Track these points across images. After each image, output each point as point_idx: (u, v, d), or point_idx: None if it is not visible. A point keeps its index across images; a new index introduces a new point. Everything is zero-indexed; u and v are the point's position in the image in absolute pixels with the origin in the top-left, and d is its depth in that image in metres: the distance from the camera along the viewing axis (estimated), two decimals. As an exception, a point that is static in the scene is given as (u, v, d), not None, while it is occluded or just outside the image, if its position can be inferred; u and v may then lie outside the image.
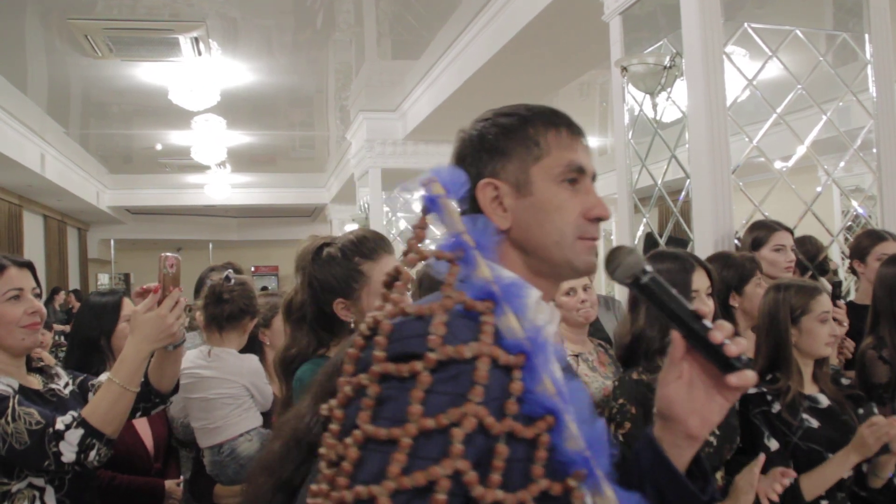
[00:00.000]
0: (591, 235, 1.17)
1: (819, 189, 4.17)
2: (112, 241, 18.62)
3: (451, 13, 6.19)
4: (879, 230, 3.55)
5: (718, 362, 1.07)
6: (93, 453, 2.04)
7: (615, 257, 1.14)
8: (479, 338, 1.00)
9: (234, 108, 8.83)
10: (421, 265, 1.10)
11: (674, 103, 3.83)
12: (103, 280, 18.47)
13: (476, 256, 1.06)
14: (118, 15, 5.92)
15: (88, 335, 2.98)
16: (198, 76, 7.45)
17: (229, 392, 2.83)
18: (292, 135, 11.01)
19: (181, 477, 3.11)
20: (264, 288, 17.49)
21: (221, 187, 14.01)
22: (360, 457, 0.96)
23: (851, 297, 4.01)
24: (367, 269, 2.09)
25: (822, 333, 2.61)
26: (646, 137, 4.00)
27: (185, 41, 6.45)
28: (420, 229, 1.09)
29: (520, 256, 1.17)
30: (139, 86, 7.91)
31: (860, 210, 4.03)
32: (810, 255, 3.75)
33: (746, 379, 1.06)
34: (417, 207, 1.13)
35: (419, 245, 1.09)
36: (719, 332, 1.06)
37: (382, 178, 8.54)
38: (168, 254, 2.18)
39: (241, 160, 12.27)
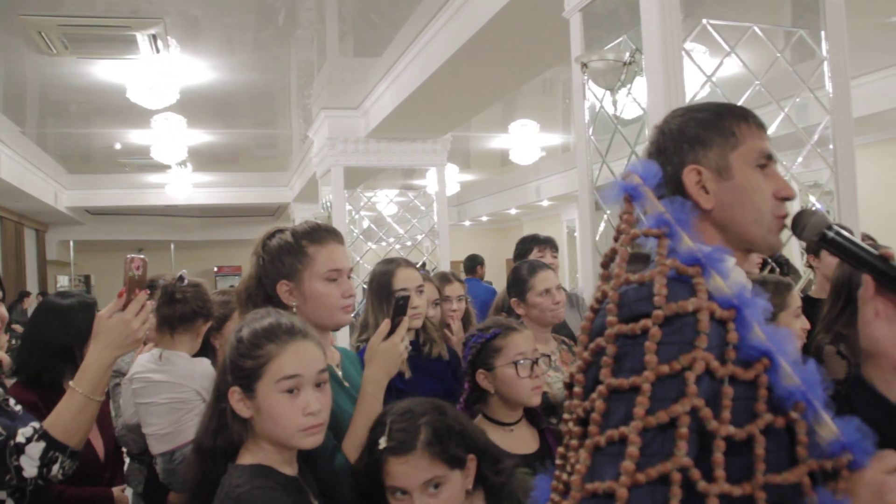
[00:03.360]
0: (783, 213, 1.35)
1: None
2: (71, 243, 18.36)
3: (413, 9, 6.16)
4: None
5: None
6: (56, 467, 1.96)
7: (801, 220, 1.32)
8: (697, 294, 1.15)
9: (195, 106, 8.72)
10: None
11: (634, 100, 3.84)
12: (63, 282, 18.20)
13: (679, 231, 1.22)
14: (75, 11, 5.81)
15: (57, 340, 2.78)
16: (156, 74, 7.34)
17: (180, 397, 2.78)
18: (254, 133, 10.90)
19: (124, 485, 3.05)
20: (232, 285, 17.32)
21: (183, 187, 13.86)
22: (607, 407, 1.12)
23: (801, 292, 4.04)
24: (312, 251, 2.08)
25: (797, 328, 2.66)
26: (606, 134, 4.00)
27: (142, 38, 6.34)
28: (628, 214, 1.25)
29: (718, 233, 1.33)
30: (97, 84, 7.78)
31: (818, 205, 4.06)
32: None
33: None
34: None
35: (630, 227, 1.25)
36: None
37: (345, 177, 8.48)
38: (134, 255, 2.09)
39: (202, 159, 12.13)
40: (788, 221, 1.38)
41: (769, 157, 1.36)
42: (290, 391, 1.68)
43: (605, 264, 1.28)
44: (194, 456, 1.76)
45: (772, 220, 1.33)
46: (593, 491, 1.07)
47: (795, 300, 2.69)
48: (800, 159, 4.06)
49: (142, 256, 2.09)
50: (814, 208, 1.33)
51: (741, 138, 1.34)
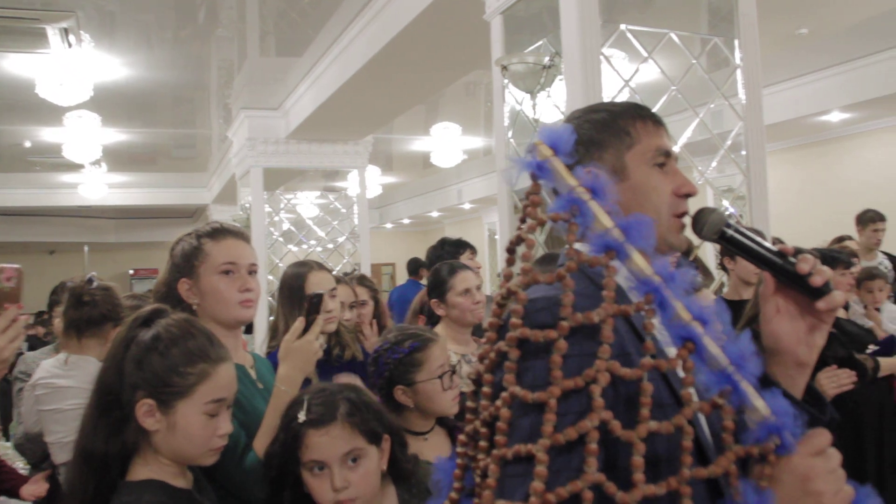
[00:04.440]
0: (683, 210, 1.33)
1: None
2: (-22, 245, 17.67)
3: (334, 10, 6.12)
4: (749, 227, 3.67)
5: (807, 292, 1.17)
6: None
7: (700, 218, 1.28)
8: (605, 299, 1.07)
9: (110, 104, 8.47)
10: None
11: (554, 104, 3.87)
12: (-32, 285, 17.47)
13: (592, 207, 1.10)
14: (-20, 2, 5.60)
15: None
16: (68, 69, 7.10)
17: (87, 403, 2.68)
18: (172, 133, 10.68)
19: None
20: (150, 290, 16.87)
21: (97, 187, 13.45)
22: (512, 416, 1.07)
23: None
24: (209, 247, 2.10)
25: None
26: (526, 137, 4.02)
27: (53, 32, 6.13)
28: (534, 195, 1.13)
29: None
30: (5, 78, 7.48)
31: (731, 209, 4.16)
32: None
33: (834, 301, 1.16)
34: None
35: (536, 210, 1.13)
36: (805, 264, 1.17)
37: (265, 178, 8.36)
38: (5, 265, 1.87)
39: (117, 159, 11.80)
40: (689, 219, 1.35)
41: (667, 155, 1.34)
42: (212, 413, 1.64)
43: (511, 249, 1.18)
44: (84, 465, 1.63)
45: (670, 219, 1.32)
46: None
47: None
48: (714, 164, 4.15)
49: (15, 266, 1.86)
50: (713, 206, 1.30)
51: (636, 137, 1.33)
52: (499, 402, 1.08)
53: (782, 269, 1.19)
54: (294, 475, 1.81)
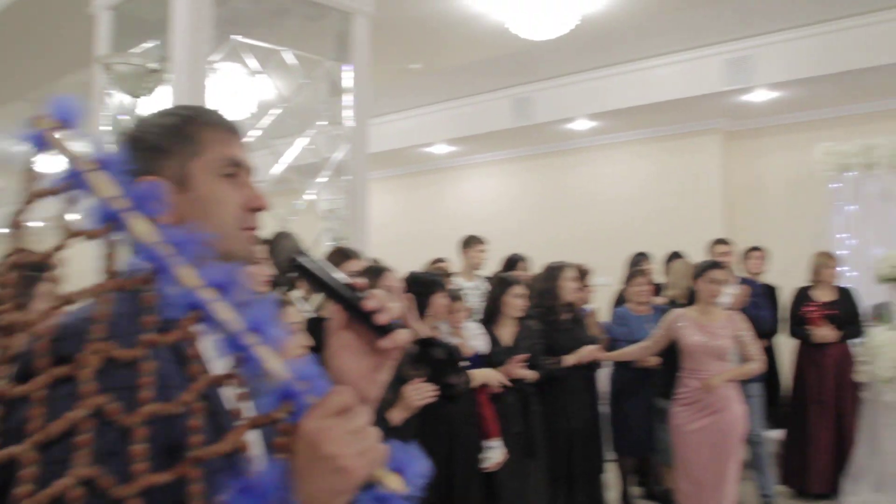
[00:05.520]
0: (252, 225, 1.27)
1: (298, 205, 4.34)
2: None
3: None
4: (347, 248, 3.81)
5: (373, 329, 1.15)
6: None
7: (275, 244, 1.19)
8: (105, 267, 0.97)
9: None
10: None
11: (164, 110, 3.72)
12: None
13: (93, 176, 0.97)
14: None
15: None
16: None
17: None
18: None
19: None
20: None
21: None
22: (6, 413, 0.95)
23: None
24: None
25: None
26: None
27: None
28: (28, 172, 0.99)
29: None
30: None
31: (335, 231, 4.30)
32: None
33: (396, 340, 1.15)
34: None
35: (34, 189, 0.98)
36: (371, 301, 1.14)
37: None
38: None
39: None
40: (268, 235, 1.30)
41: (237, 165, 1.28)
42: None
43: (12, 226, 1.04)
44: None
45: (238, 233, 1.26)
46: None
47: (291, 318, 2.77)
48: (318, 181, 4.26)
49: None
50: (288, 232, 1.28)
51: (204, 145, 1.25)
52: None
53: (350, 304, 1.16)
54: None
